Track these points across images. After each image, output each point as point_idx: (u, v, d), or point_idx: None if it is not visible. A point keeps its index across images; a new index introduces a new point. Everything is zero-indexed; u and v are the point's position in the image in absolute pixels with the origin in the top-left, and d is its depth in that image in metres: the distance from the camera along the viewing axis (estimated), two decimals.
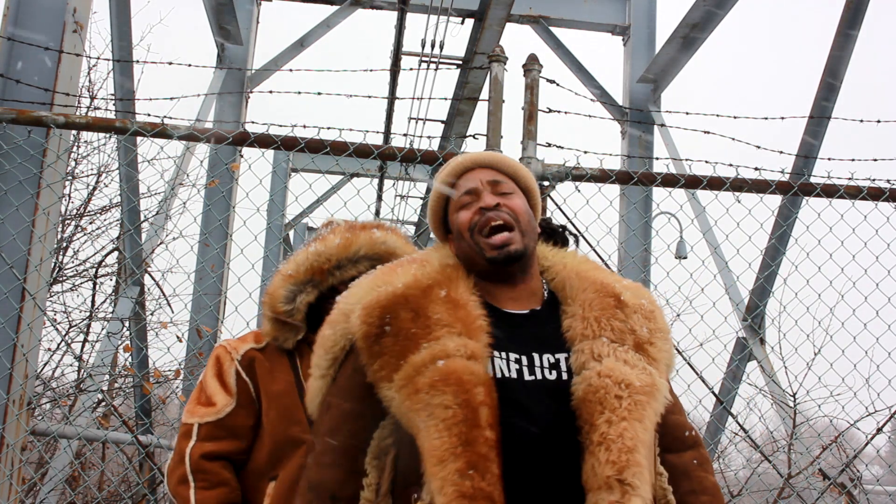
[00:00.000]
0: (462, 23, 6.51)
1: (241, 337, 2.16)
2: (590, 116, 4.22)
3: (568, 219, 3.73)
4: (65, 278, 7.23)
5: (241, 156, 4.03)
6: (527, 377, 1.57)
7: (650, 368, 1.60)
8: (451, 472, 1.43)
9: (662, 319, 1.72)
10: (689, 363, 4.08)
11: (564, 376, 1.58)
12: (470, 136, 3.99)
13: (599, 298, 1.66)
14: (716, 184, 3.76)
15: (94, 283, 7.25)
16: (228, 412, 2.00)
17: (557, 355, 1.61)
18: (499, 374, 1.55)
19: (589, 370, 1.55)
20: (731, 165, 3.79)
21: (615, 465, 1.45)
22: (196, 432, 1.98)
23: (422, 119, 7.79)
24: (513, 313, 1.66)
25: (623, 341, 1.61)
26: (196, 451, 1.97)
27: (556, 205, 3.70)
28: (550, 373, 1.58)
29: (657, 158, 4.67)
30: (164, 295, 7.16)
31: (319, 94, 4.03)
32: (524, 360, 1.59)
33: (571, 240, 1.88)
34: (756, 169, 3.81)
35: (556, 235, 1.87)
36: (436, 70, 6.78)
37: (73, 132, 6.01)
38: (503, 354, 1.58)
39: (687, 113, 4.31)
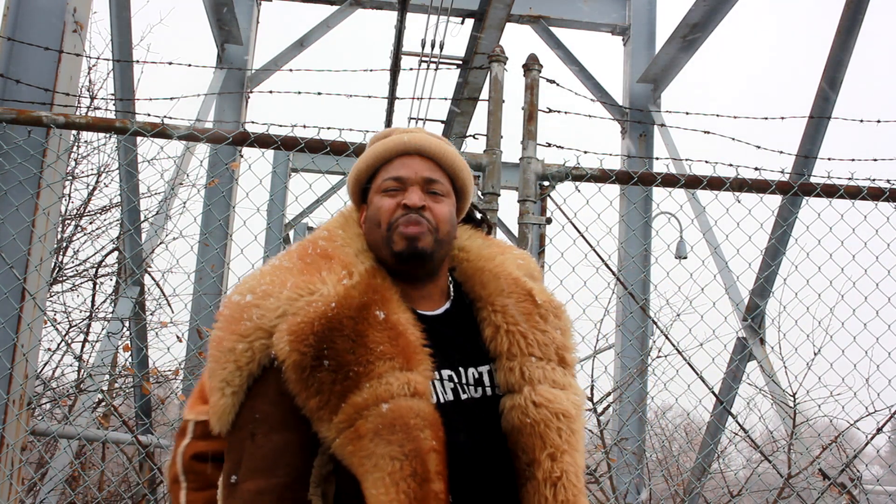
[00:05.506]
0: (462, 23, 6.52)
1: None
2: (590, 116, 4.23)
3: (568, 219, 3.73)
4: (65, 278, 7.23)
5: (241, 156, 4.03)
6: (462, 397, 1.52)
7: (572, 382, 1.57)
8: None
9: (565, 313, 1.67)
10: (688, 363, 4.09)
11: (489, 392, 1.54)
12: (470, 136, 3.99)
13: (517, 304, 1.60)
14: (716, 184, 3.75)
15: (94, 283, 7.25)
16: None
17: (480, 368, 1.56)
18: (441, 400, 1.49)
19: (522, 395, 1.51)
20: (731, 165, 3.79)
21: None
22: (191, 430, 1.98)
23: (422, 119, 7.79)
24: (427, 315, 1.58)
25: (548, 357, 1.56)
26: (188, 450, 1.96)
27: (556, 205, 3.70)
28: (476, 390, 1.54)
29: (657, 158, 4.67)
30: (164, 295, 7.16)
31: (319, 94, 4.03)
32: (455, 376, 1.53)
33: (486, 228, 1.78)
34: (756, 169, 3.81)
35: (474, 222, 1.79)
36: (436, 70, 6.79)
37: (73, 132, 6.01)
38: (437, 374, 1.50)
39: (687, 113, 4.32)
